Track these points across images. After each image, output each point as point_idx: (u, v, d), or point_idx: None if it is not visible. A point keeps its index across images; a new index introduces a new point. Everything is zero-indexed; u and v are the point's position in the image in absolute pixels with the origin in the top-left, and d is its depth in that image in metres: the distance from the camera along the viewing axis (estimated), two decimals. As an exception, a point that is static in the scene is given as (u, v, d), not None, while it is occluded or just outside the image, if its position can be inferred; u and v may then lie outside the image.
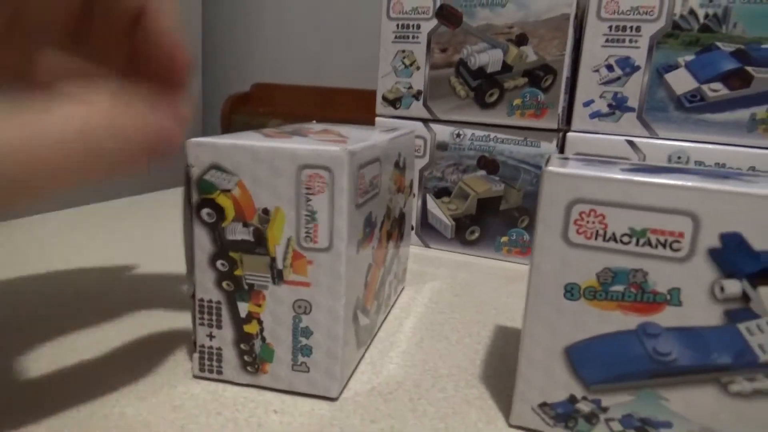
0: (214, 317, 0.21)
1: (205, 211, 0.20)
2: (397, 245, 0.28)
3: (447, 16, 0.38)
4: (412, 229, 0.42)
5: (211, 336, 0.21)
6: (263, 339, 0.20)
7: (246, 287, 0.20)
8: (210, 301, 0.20)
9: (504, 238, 0.39)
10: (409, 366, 0.24)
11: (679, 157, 0.34)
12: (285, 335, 0.20)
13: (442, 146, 0.40)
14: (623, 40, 0.34)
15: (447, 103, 0.39)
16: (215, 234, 0.20)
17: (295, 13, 1.45)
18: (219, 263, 0.20)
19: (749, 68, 0.33)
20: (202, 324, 0.21)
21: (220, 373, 0.21)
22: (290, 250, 0.19)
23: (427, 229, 0.41)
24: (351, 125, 0.28)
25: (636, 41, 0.34)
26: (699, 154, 0.34)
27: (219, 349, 0.21)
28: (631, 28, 0.34)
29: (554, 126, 0.36)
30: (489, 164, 0.39)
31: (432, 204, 0.41)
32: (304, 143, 0.19)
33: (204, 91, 1.59)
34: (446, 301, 0.31)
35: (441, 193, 0.40)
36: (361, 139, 0.22)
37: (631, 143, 0.35)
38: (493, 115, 0.38)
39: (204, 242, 0.20)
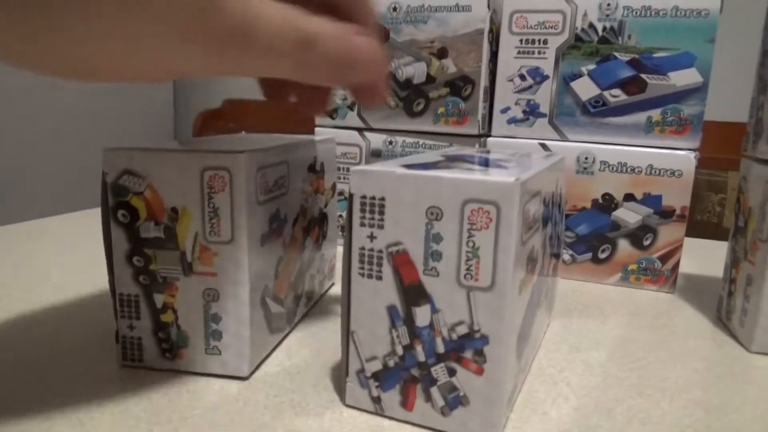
0: (133, 309, 0.22)
1: (120, 213, 0.22)
2: (319, 243, 0.31)
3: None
4: (352, 231, 0.44)
5: (131, 327, 0.23)
6: (178, 327, 0.22)
7: (160, 280, 0.22)
8: (129, 294, 0.22)
9: (436, 238, 0.42)
10: (321, 349, 0.26)
11: (586, 158, 0.37)
12: (197, 322, 0.22)
13: (376, 153, 0.42)
14: (533, 52, 0.38)
15: (379, 112, 0.42)
16: (130, 233, 0.22)
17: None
18: (135, 259, 0.22)
19: (643, 75, 0.36)
20: (123, 316, 0.23)
21: (141, 360, 0.23)
22: (197, 244, 0.21)
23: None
24: (284, 135, 0.31)
25: (544, 53, 0.37)
26: (603, 154, 0.37)
27: (139, 338, 0.23)
28: (539, 41, 0.37)
29: (475, 132, 0.39)
30: (419, 169, 0.41)
31: (369, 207, 0.43)
32: (211, 148, 0.21)
33: (176, 107, 1.61)
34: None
35: (377, 197, 0.43)
36: (265, 142, 0.24)
37: (544, 146, 0.38)
38: (421, 123, 0.41)
39: (121, 241, 0.22)
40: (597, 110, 0.37)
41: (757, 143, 0.29)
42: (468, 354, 0.18)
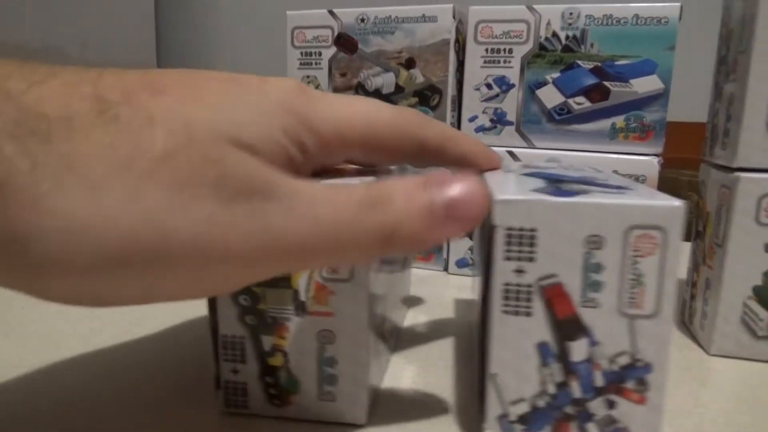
0: (237, 352, 0.21)
1: None
2: (404, 266, 0.29)
3: (344, 43, 0.41)
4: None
5: (235, 371, 0.21)
6: (288, 371, 0.21)
7: (269, 321, 0.20)
8: (233, 336, 0.21)
9: (408, 246, 0.42)
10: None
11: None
12: (310, 366, 0.20)
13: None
14: (499, 61, 0.38)
15: (350, 122, 0.42)
16: None
17: (243, 25, 1.49)
18: (242, 298, 0.20)
19: (606, 83, 0.36)
20: (226, 360, 0.21)
21: (245, 407, 0.21)
22: (312, 281, 0.20)
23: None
24: None
25: (509, 62, 0.38)
26: (570, 161, 0.37)
27: (244, 383, 0.21)
28: (505, 50, 0.38)
29: (443, 140, 0.40)
30: (390, 178, 0.42)
31: (342, 217, 0.44)
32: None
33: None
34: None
35: (350, 206, 0.43)
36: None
37: (511, 153, 0.39)
38: (391, 133, 0.41)
39: None
40: (562, 117, 0.37)
41: (713, 149, 0.30)
42: (630, 384, 0.18)
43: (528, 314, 0.18)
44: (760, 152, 0.26)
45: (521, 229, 0.17)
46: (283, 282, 0.20)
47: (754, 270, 0.26)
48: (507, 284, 0.18)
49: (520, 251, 0.18)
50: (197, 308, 0.32)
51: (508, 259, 0.18)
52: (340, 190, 0.16)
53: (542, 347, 0.18)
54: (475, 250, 0.29)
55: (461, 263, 0.41)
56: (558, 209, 0.17)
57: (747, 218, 0.26)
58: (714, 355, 0.28)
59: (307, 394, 0.21)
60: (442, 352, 0.28)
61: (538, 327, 0.18)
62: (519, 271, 0.18)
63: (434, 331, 0.30)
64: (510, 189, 0.19)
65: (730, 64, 0.29)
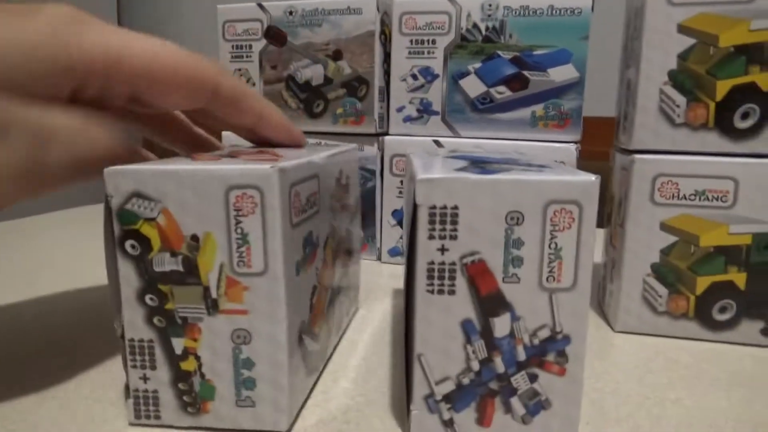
0: (147, 357, 0.19)
1: (128, 243, 0.18)
2: (346, 265, 0.28)
3: (274, 36, 0.41)
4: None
5: (145, 378, 0.19)
6: (202, 376, 0.19)
7: (179, 321, 0.19)
8: (141, 340, 0.19)
9: (342, 236, 0.43)
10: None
11: (477, 153, 0.39)
12: (225, 369, 0.19)
13: (281, 155, 0.43)
14: (423, 52, 0.39)
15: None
16: (141, 267, 0.19)
17: (186, 26, 1.47)
18: (148, 298, 0.19)
19: (525, 72, 0.37)
20: (134, 366, 0.19)
21: (158, 417, 0.20)
22: (223, 276, 0.18)
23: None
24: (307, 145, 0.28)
25: (433, 52, 0.39)
26: (495, 147, 0.38)
27: (155, 391, 0.20)
28: (428, 41, 0.39)
29: (372, 131, 0.40)
30: (322, 169, 0.42)
31: (277, 209, 0.44)
32: (232, 164, 0.18)
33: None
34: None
35: (284, 198, 0.43)
36: (295, 156, 0.21)
37: (437, 143, 0.39)
38: (321, 124, 0.41)
39: (130, 277, 0.19)
40: (485, 107, 0.38)
41: (618, 134, 0.31)
42: (550, 357, 0.18)
43: (452, 292, 0.18)
44: (653, 135, 0.27)
45: (443, 208, 0.18)
46: (192, 278, 0.19)
47: (652, 248, 0.28)
48: (431, 263, 0.18)
49: (443, 229, 0.18)
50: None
51: (432, 237, 0.18)
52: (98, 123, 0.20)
53: (466, 324, 0.18)
54: (405, 236, 0.29)
55: (393, 252, 0.41)
56: (478, 186, 0.17)
57: (643, 198, 0.28)
58: (619, 332, 0.29)
59: (224, 400, 0.19)
60: (378, 343, 0.28)
61: (461, 305, 0.18)
62: (442, 250, 0.18)
63: (371, 321, 0.31)
64: (433, 169, 0.19)
65: (628, 50, 0.30)
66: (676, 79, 0.27)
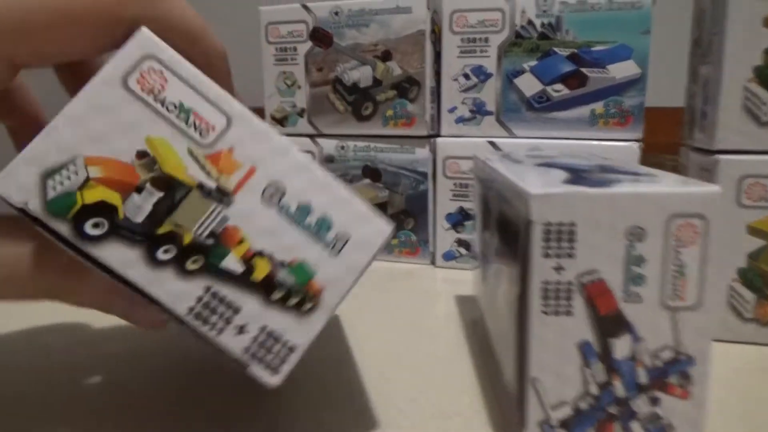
0: (224, 308, 0.16)
1: (89, 224, 0.15)
2: None
3: (319, 37, 0.41)
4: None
5: (241, 329, 0.16)
6: (282, 264, 0.17)
7: (210, 241, 0.16)
8: (201, 299, 0.16)
9: (394, 241, 0.42)
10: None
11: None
12: (298, 236, 0.17)
13: (329, 159, 0.42)
14: (475, 51, 0.38)
15: (328, 118, 0.42)
16: (123, 234, 0.16)
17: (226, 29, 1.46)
18: (161, 252, 0.16)
19: (584, 69, 0.36)
20: (219, 331, 0.16)
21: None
22: (198, 156, 0.16)
23: (324, 238, 0.44)
24: None
25: (486, 51, 0.38)
26: (550, 149, 0.37)
27: (261, 329, 0.17)
28: (481, 39, 0.38)
29: (424, 133, 0.39)
30: (372, 173, 0.41)
31: (325, 214, 0.43)
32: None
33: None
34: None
35: (332, 203, 0.43)
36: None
37: (493, 144, 0.38)
38: (370, 127, 0.41)
39: (122, 256, 0.16)
40: (541, 105, 0.37)
41: (692, 132, 0.30)
42: (673, 379, 0.17)
43: (568, 313, 0.17)
44: (738, 134, 0.26)
45: (560, 224, 0.17)
46: (178, 191, 0.16)
47: (738, 252, 0.27)
48: (546, 282, 0.17)
49: (559, 247, 0.17)
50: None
51: (547, 256, 0.17)
52: None
53: (584, 347, 0.17)
54: (478, 242, 0.28)
55: (448, 256, 0.41)
56: (597, 201, 0.17)
57: (728, 200, 0.26)
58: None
59: (320, 260, 0.17)
60: (455, 352, 0.27)
61: (579, 326, 0.17)
62: (558, 269, 0.17)
63: (443, 331, 0.30)
64: (541, 182, 0.18)
65: (704, 45, 0.29)
66: (761, 75, 0.26)
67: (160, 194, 0.16)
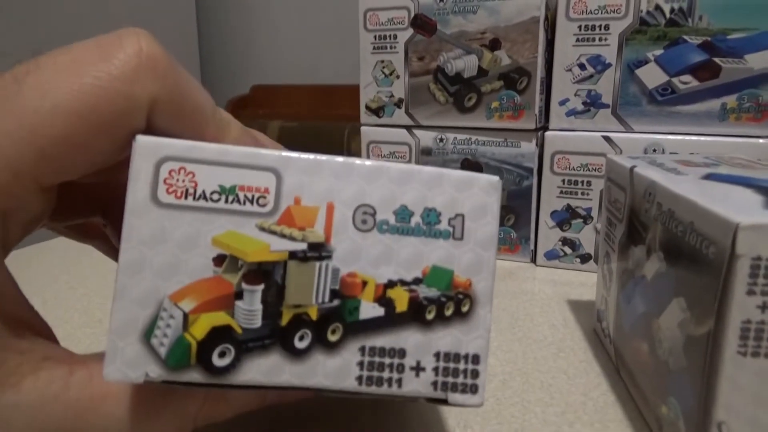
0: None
1: (215, 356, 0.15)
2: None
3: (422, 25, 0.39)
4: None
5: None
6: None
7: (335, 298, 0.15)
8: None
9: (492, 237, 0.40)
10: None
11: (654, 150, 0.35)
12: None
13: (426, 151, 0.41)
14: (593, 39, 0.35)
15: (428, 109, 0.40)
16: (241, 351, 0.15)
17: (290, 11, 1.46)
18: (297, 341, 0.15)
19: (717, 59, 0.33)
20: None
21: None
22: (270, 227, 0.15)
23: (418, 232, 0.43)
24: None
25: (606, 39, 0.35)
26: (673, 145, 0.35)
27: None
28: (600, 26, 0.35)
29: (532, 126, 0.37)
30: (472, 167, 0.40)
31: (421, 207, 0.42)
32: None
33: (204, 97, 1.61)
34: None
35: (428, 196, 0.41)
36: None
37: (607, 138, 0.36)
38: (473, 119, 0.39)
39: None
40: (665, 98, 0.35)
41: None
42: None
43: None
44: None
45: None
46: (274, 271, 0.15)
47: None
48: (747, 322, 0.16)
49: (766, 284, 0.15)
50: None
51: (752, 293, 0.15)
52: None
53: None
54: (602, 248, 0.26)
55: (550, 255, 0.39)
56: None
57: None
58: None
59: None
60: (583, 368, 0.26)
61: None
62: (764, 307, 0.15)
63: (557, 338, 0.29)
64: (743, 207, 0.16)
65: None
66: None
67: (261, 287, 0.15)
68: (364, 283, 0.15)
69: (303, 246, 0.15)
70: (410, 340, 0.15)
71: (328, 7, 1.40)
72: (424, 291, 0.15)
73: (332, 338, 0.15)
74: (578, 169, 0.37)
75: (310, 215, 0.15)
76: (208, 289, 0.14)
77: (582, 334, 0.29)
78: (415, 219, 0.15)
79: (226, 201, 0.15)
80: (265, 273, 0.15)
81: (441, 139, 0.40)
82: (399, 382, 0.15)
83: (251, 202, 0.15)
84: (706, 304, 0.16)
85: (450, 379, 0.15)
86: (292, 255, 0.15)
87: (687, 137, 0.35)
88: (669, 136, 0.35)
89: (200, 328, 0.14)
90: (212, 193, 0.15)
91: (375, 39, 0.41)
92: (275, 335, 0.15)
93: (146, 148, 0.14)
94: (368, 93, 0.42)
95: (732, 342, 0.16)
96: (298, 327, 0.15)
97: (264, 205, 0.15)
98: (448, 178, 0.16)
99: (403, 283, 0.15)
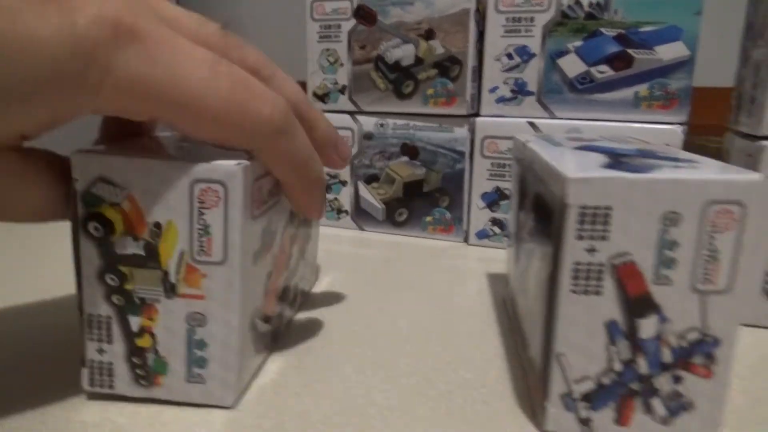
0: (104, 332, 0.20)
1: (92, 225, 0.19)
2: (303, 248, 0.29)
3: (363, 15, 0.41)
4: (347, 214, 0.45)
5: (101, 351, 0.20)
6: (156, 352, 0.20)
7: (137, 301, 0.20)
8: (99, 316, 0.20)
9: (428, 218, 0.42)
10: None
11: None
12: (179, 348, 0.20)
13: (368, 136, 0.43)
14: (519, 30, 0.38)
15: (369, 95, 0.42)
16: (104, 248, 0.19)
17: (273, 7, 1.47)
18: (108, 277, 0.19)
19: (630, 50, 0.36)
20: (91, 339, 0.20)
21: (111, 387, 0.21)
22: (183, 263, 0.19)
23: (361, 214, 0.45)
24: None
25: (530, 31, 0.37)
26: (591, 131, 0.37)
27: (110, 363, 0.20)
28: (526, 19, 0.37)
29: (463, 112, 0.40)
30: (410, 150, 0.42)
31: (363, 190, 0.44)
32: (199, 157, 0.19)
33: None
34: (363, 283, 0.35)
35: (370, 179, 0.44)
36: None
37: (532, 124, 0.38)
38: (411, 105, 0.41)
39: (92, 256, 0.19)
40: (584, 87, 0.37)
41: (739, 116, 0.29)
42: (697, 359, 0.18)
43: (598, 293, 0.18)
44: (788, 120, 0.26)
45: (595, 208, 0.17)
46: (152, 263, 0.19)
47: (784, 238, 0.26)
48: (577, 263, 0.18)
49: (593, 230, 0.17)
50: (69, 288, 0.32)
51: (580, 238, 0.17)
52: None
53: (611, 325, 0.18)
54: (513, 222, 0.29)
55: (481, 234, 0.41)
56: (635, 186, 0.17)
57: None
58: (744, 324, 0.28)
59: (175, 375, 0.20)
60: (484, 328, 0.28)
61: (607, 305, 0.18)
62: (591, 250, 0.18)
63: (469, 306, 0.31)
64: (578, 166, 0.18)
65: (758, 29, 0.28)
66: (816, 60, 0.25)
67: (142, 253, 0.19)
68: None
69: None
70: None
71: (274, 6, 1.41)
72: None
73: None
74: (506, 152, 0.39)
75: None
76: None
77: (493, 301, 0.31)
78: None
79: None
80: None
81: (382, 125, 0.42)
82: None
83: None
84: (550, 250, 0.19)
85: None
86: None
87: (605, 123, 0.37)
88: (588, 122, 0.37)
89: None
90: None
91: (320, 28, 0.43)
92: None
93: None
94: (315, 80, 0.44)
95: (566, 282, 0.18)
96: None
97: None
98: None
99: None
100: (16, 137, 0.17)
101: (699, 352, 0.18)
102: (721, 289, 0.17)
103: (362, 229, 0.45)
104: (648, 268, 0.17)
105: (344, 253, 0.40)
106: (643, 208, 0.17)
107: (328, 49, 0.43)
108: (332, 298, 0.31)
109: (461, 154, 0.40)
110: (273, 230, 0.23)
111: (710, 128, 0.41)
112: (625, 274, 0.17)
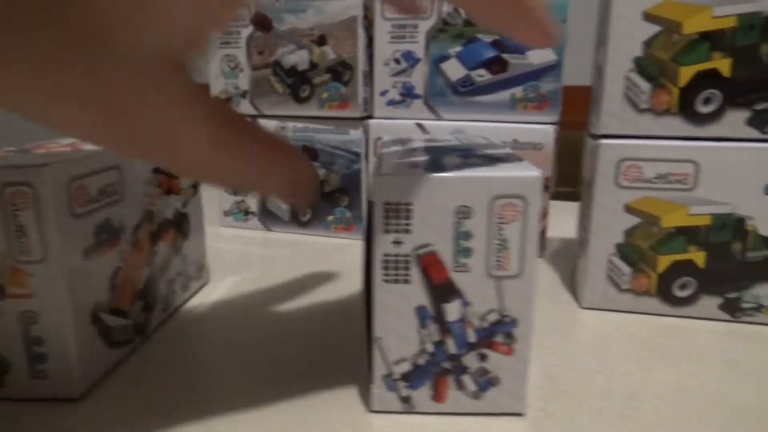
0: None
1: None
2: (177, 245, 0.30)
3: (260, 22, 0.42)
4: (254, 215, 0.46)
5: None
6: None
7: None
8: None
9: (331, 217, 0.44)
10: (173, 357, 0.25)
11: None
12: (17, 346, 0.21)
13: (271, 139, 0.44)
14: (405, 37, 0.40)
15: (269, 100, 0.44)
16: None
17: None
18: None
19: (505, 55, 0.38)
20: None
21: None
22: (6, 265, 0.20)
23: (268, 215, 0.46)
24: None
25: (415, 37, 0.39)
26: (474, 131, 0.39)
27: None
28: (410, 25, 0.39)
29: (357, 115, 0.41)
30: (310, 152, 0.43)
31: (268, 191, 0.45)
32: (10, 158, 0.20)
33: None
34: (250, 287, 0.36)
35: (274, 181, 0.45)
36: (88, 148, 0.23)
37: (420, 126, 0.40)
38: (308, 109, 0.43)
39: None
40: (466, 90, 0.39)
41: (591, 117, 0.32)
42: (499, 338, 0.20)
43: (406, 281, 0.20)
44: (619, 120, 0.28)
45: (398, 204, 0.19)
46: None
47: (616, 229, 0.29)
48: (386, 255, 0.19)
49: (397, 224, 0.19)
50: None
51: (387, 231, 0.19)
52: None
53: (420, 311, 0.20)
54: (365, 220, 0.31)
55: (380, 232, 0.43)
56: (429, 184, 0.19)
57: (608, 181, 0.29)
58: (585, 308, 0.31)
59: (19, 373, 0.21)
60: (350, 318, 0.30)
61: (416, 293, 0.20)
62: (397, 243, 0.19)
63: (349, 299, 0.32)
64: (389, 165, 0.20)
65: (600, 36, 0.31)
66: (641, 65, 0.28)
67: None
68: None
69: None
70: None
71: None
72: None
73: None
74: (398, 153, 0.41)
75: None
76: None
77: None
78: None
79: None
80: None
81: (282, 128, 0.44)
82: None
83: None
84: (366, 244, 0.20)
85: None
86: None
87: (485, 124, 0.39)
88: (471, 123, 0.40)
89: None
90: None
91: (221, 35, 0.44)
92: None
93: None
94: (217, 85, 0.45)
95: (378, 272, 0.20)
96: None
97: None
98: None
99: None
100: (202, 30, 0.14)
101: (500, 332, 0.20)
102: (513, 274, 0.19)
103: (269, 230, 0.46)
104: (448, 258, 0.19)
105: (249, 253, 0.41)
106: (438, 204, 0.19)
107: (228, 55, 0.44)
108: (221, 295, 0.33)
109: (357, 155, 0.42)
110: (116, 227, 0.24)
111: (585, 125, 0.44)
112: (428, 263, 0.19)
